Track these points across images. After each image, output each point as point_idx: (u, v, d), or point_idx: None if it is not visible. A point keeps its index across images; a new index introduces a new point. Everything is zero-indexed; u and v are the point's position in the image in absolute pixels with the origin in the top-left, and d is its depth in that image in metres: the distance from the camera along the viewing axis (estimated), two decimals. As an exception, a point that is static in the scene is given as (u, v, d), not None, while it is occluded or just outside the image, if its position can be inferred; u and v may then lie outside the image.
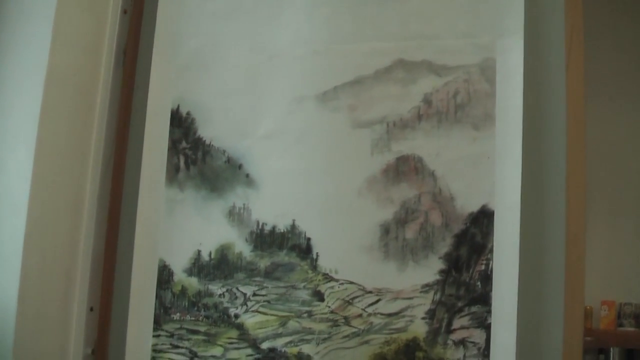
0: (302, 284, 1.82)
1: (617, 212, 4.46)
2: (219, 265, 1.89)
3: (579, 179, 1.72)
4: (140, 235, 1.95)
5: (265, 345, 1.83)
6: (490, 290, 1.69)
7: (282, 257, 1.84)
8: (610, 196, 4.37)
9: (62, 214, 1.99)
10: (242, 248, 1.87)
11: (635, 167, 4.51)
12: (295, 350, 1.81)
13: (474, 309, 1.71)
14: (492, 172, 1.73)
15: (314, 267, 1.81)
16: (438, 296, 1.73)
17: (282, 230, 1.85)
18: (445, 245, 1.74)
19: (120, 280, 2.01)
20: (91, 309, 2.03)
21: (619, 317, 4.40)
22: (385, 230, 1.78)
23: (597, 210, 4.06)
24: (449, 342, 1.72)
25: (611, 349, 4.30)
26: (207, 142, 1.95)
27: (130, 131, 2.07)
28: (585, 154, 1.73)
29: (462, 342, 1.71)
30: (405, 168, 1.79)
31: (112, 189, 2.06)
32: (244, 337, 1.85)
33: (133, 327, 1.93)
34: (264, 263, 1.85)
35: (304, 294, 1.82)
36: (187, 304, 1.90)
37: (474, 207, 1.74)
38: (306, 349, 1.80)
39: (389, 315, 1.75)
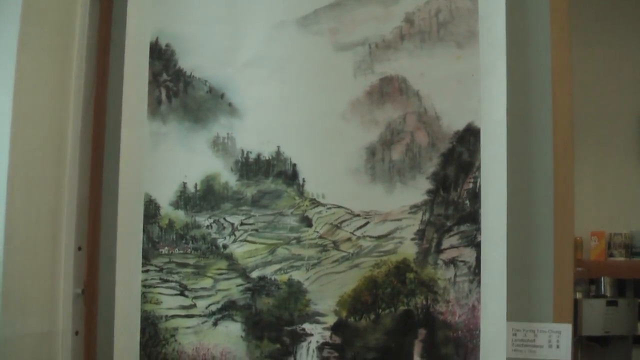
0: (290, 211, 1.81)
1: (605, 143, 4.47)
2: (205, 197, 1.87)
3: (565, 94, 1.71)
4: (124, 170, 1.92)
5: (255, 274, 1.82)
6: (479, 208, 1.69)
7: (269, 184, 1.83)
8: (598, 127, 4.37)
9: (45, 154, 1.96)
10: (228, 178, 1.86)
11: (622, 97, 4.50)
12: (285, 277, 1.80)
13: (463, 227, 1.70)
14: (477, 89, 1.71)
15: (301, 193, 1.80)
16: (427, 216, 1.72)
17: (267, 158, 1.83)
18: (432, 165, 1.73)
19: (107, 218, 1.99)
20: (79, 249, 2.01)
21: (609, 248, 4.42)
22: (371, 152, 1.76)
23: (585, 142, 4.05)
24: (439, 262, 1.71)
25: (602, 279, 4.32)
26: (188, 73, 1.92)
27: (110, 66, 2.04)
28: (571, 69, 1.71)
29: (452, 262, 1.71)
30: (389, 89, 1.77)
31: (94, 126, 2.03)
32: (234, 267, 1.84)
33: (122, 263, 1.91)
34: (250, 192, 1.84)
35: (292, 221, 1.81)
36: (174, 237, 1.89)
37: (459, 125, 1.72)
38: (296, 275, 1.79)
39: (378, 237, 1.75)
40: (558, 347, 1.68)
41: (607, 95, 4.48)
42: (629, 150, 4.59)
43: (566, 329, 1.68)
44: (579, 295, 4.02)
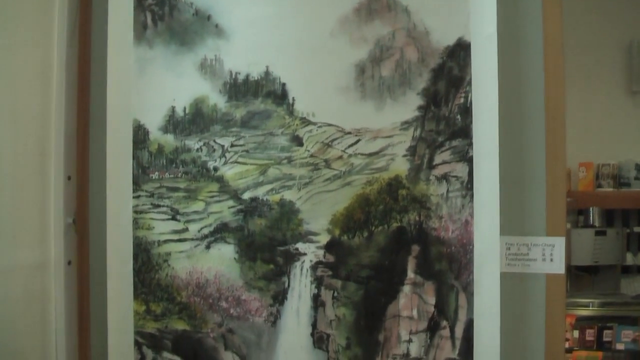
0: (280, 130, 1.80)
1: (593, 74, 4.46)
2: (194, 120, 1.85)
3: (555, 17, 1.70)
4: (112, 97, 1.90)
5: (246, 196, 1.82)
6: (471, 123, 1.68)
7: (258, 105, 1.81)
8: (586, 58, 4.35)
9: (31, 84, 1.93)
10: (217, 100, 1.84)
11: (611, 27, 4.49)
12: (277, 197, 1.80)
13: (455, 143, 1.70)
14: (466, 4, 1.69)
15: (291, 112, 1.79)
16: (418, 132, 1.72)
17: (256, 78, 1.81)
18: (422, 81, 1.72)
19: (95, 146, 1.97)
20: (68, 178, 1.99)
21: (597, 178, 4.44)
22: (361, 69, 1.75)
23: (573, 73, 4.03)
24: (432, 177, 1.71)
25: (590, 209, 4.35)
26: (173, -5, 1.89)
27: (93, -8, 2.00)
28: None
29: (444, 177, 1.70)
30: (378, 5, 1.75)
31: (80, 53, 2.00)
32: (225, 189, 1.83)
33: (112, 190, 1.90)
34: (239, 113, 1.82)
35: (283, 140, 1.79)
36: (164, 162, 1.88)
37: (449, 40, 1.71)
38: (288, 195, 1.79)
39: (370, 155, 1.74)
40: (552, 260, 1.69)
41: (596, 24, 4.46)
42: (617, 81, 4.59)
43: (560, 242, 1.69)
44: (567, 226, 4.04)
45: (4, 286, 1.83)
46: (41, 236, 1.95)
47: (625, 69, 4.56)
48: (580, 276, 4.36)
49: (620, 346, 3.82)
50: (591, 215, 4.37)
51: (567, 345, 3.70)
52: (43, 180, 1.96)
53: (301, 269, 1.77)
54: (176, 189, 1.87)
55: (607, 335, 3.86)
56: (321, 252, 1.76)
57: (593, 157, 4.41)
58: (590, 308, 4.01)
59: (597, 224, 4.36)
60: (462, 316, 1.69)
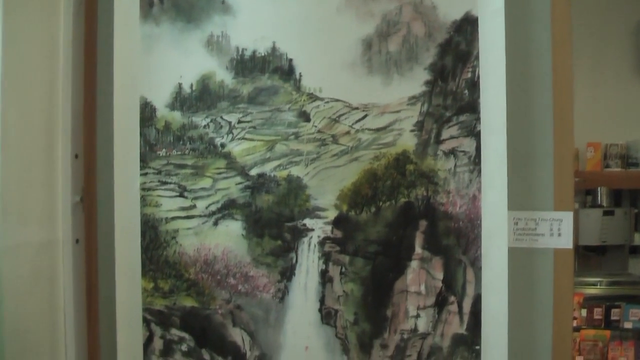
0: (287, 106, 1.79)
1: (601, 53, 4.44)
2: (201, 96, 1.85)
3: None
4: (118, 75, 1.90)
5: (254, 172, 1.82)
6: (478, 97, 1.67)
7: (265, 81, 1.81)
8: (594, 37, 4.33)
9: (38, 62, 1.93)
10: (224, 76, 1.84)
11: (619, 6, 4.46)
12: (284, 173, 1.79)
13: (462, 117, 1.69)
14: (473, -23, 1.68)
15: (298, 87, 1.78)
16: (425, 107, 1.71)
17: (262, 54, 1.81)
18: (429, 56, 1.71)
19: (103, 124, 1.98)
20: (76, 156, 2.00)
21: (605, 158, 4.43)
22: (368, 44, 1.74)
23: (581, 52, 4.03)
24: (439, 152, 1.71)
25: (598, 189, 4.34)
26: (179, -28, 1.89)
27: (100, -30, 2.00)
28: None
29: (452, 152, 1.70)
30: (384, -20, 1.74)
31: (86, 30, 2.00)
32: (232, 165, 1.83)
33: (119, 168, 1.90)
34: (246, 89, 1.82)
35: (290, 116, 1.79)
36: (172, 138, 1.88)
37: (457, 14, 1.70)
38: (295, 171, 1.79)
39: (377, 130, 1.74)
40: (560, 235, 1.69)
41: (604, 4, 4.44)
42: (625, 61, 4.56)
43: (567, 217, 1.69)
44: (575, 206, 4.03)
45: (12, 264, 1.83)
46: (49, 214, 1.96)
47: (633, 49, 4.54)
48: (588, 256, 4.36)
49: (628, 325, 3.82)
50: (599, 195, 4.37)
51: (574, 324, 3.70)
52: (50, 158, 1.96)
53: (309, 245, 1.78)
54: (183, 166, 1.86)
55: (615, 314, 3.86)
56: (329, 227, 1.76)
57: (601, 137, 4.40)
58: (598, 287, 4.01)
59: (605, 204, 4.36)
60: (470, 291, 1.69)
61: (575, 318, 3.72)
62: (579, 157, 4.35)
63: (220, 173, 1.84)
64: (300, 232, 1.78)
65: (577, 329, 3.78)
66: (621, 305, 3.87)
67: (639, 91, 4.54)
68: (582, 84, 4.15)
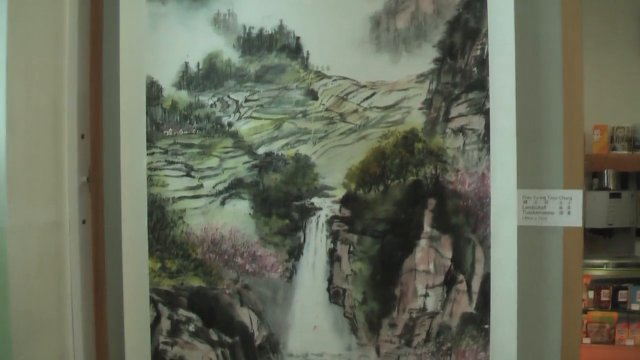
0: (295, 84, 1.78)
1: (608, 36, 4.42)
2: (208, 75, 1.84)
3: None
4: (124, 54, 1.89)
5: (261, 151, 1.81)
6: (487, 75, 1.66)
7: (272, 59, 1.80)
8: (601, 19, 4.31)
9: (43, 42, 1.92)
10: (231, 55, 1.82)
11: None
12: (292, 152, 1.78)
13: (471, 95, 1.68)
14: (482, -46, 1.66)
15: (305, 66, 1.77)
16: (434, 85, 1.70)
17: (270, 32, 1.80)
18: (438, 33, 1.70)
19: (109, 103, 1.97)
20: (82, 136, 1.99)
21: (612, 141, 4.41)
22: (376, 22, 1.73)
23: (588, 34, 4.00)
24: (448, 130, 1.70)
25: (605, 172, 4.33)
26: (185, -50, 1.87)
27: (105, -51, 1.99)
28: None
29: (461, 130, 1.69)
30: (393, -43, 1.72)
31: (92, 9, 1.99)
32: (239, 144, 1.82)
33: (126, 148, 1.89)
34: (253, 67, 1.81)
35: (297, 94, 1.78)
36: (178, 118, 1.87)
37: (465, -9, 1.68)
38: (303, 149, 1.77)
39: (385, 108, 1.72)
40: (569, 213, 1.68)
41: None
42: (632, 44, 4.55)
43: (577, 195, 1.68)
44: (582, 188, 4.03)
45: (19, 245, 1.83)
46: (55, 195, 1.95)
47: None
48: (595, 239, 4.35)
49: (635, 307, 3.82)
50: (606, 177, 4.36)
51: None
52: (57, 138, 1.95)
53: (317, 224, 1.77)
54: (190, 145, 1.86)
55: (622, 296, 3.86)
56: (337, 206, 1.76)
57: (608, 119, 4.39)
58: (605, 269, 4.01)
59: (611, 186, 4.35)
60: (479, 270, 1.68)
61: (582, 300, 3.71)
62: (586, 140, 4.33)
63: (227, 152, 1.83)
64: (308, 211, 1.77)
65: (584, 311, 3.78)
66: (628, 287, 3.87)
67: (646, 74, 4.53)
68: (588, 66, 4.08)
